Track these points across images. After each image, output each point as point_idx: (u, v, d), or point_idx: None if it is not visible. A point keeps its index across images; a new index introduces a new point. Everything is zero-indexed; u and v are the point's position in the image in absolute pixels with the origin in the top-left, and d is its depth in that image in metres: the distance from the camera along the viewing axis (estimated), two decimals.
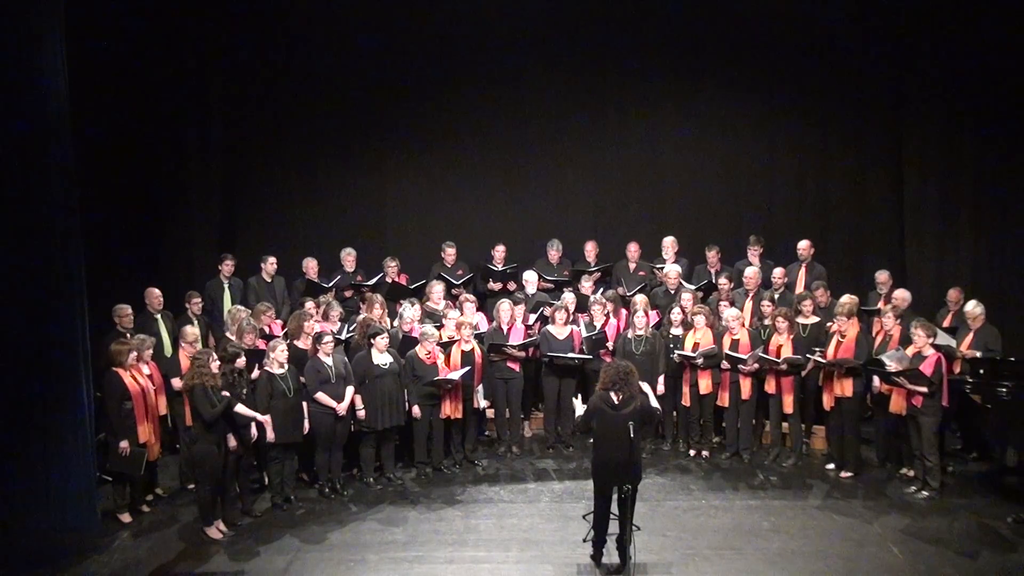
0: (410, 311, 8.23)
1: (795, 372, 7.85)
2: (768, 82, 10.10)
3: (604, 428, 5.87)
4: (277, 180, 10.45)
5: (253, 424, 6.96)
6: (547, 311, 8.52)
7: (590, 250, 9.67)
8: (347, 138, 10.42)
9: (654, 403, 6.22)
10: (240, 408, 6.65)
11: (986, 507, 7.05)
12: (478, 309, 8.83)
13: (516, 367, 8.33)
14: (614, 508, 6.00)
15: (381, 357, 7.54)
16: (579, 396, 6.75)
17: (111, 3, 8.93)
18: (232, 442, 6.70)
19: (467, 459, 8.22)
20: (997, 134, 9.35)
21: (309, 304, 8.33)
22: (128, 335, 7.53)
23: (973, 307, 7.69)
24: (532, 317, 8.62)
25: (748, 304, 8.64)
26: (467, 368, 7.82)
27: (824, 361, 7.54)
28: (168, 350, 8.06)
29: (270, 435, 7.08)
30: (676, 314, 8.28)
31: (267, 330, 7.97)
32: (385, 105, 10.32)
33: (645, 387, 6.23)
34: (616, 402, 5.80)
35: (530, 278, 9.09)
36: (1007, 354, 7.40)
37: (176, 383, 7.44)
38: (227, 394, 6.60)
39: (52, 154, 6.61)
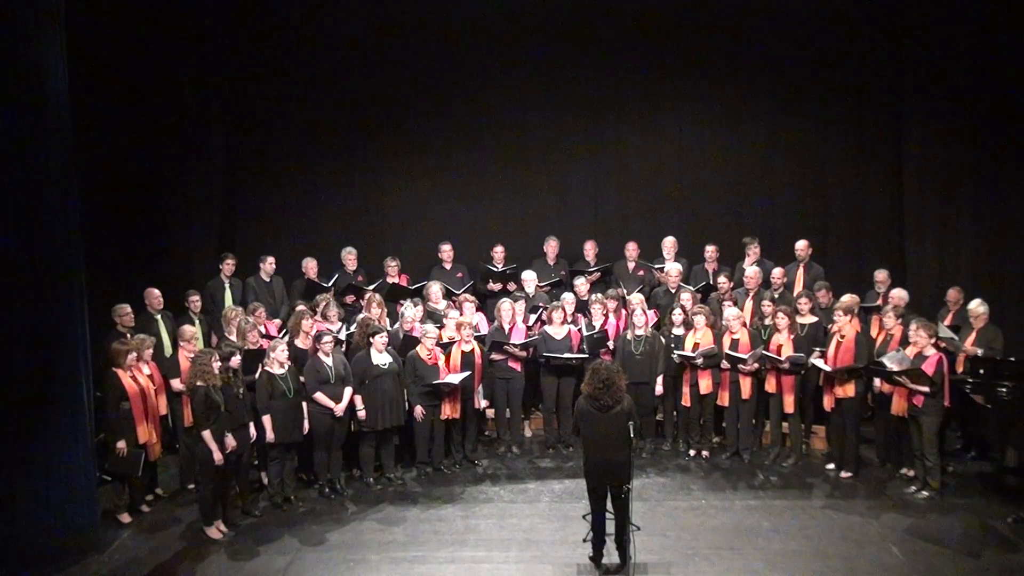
0: (411, 311, 8.24)
1: (796, 371, 7.85)
2: (768, 82, 10.10)
3: (592, 430, 5.92)
4: (277, 180, 10.46)
5: (252, 424, 6.97)
6: (545, 314, 8.52)
7: (589, 250, 9.67)
8: (347, 138, 10.42)
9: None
10: (206, 435, 6.59)
11: (986, 507, 7.06)
12: (478, 309, 8.84)
13: (517, 367, 8.33)
14: (610, 507, 6.01)
15: (380, 357, 7.54)
16: None
17: (111, 3, 8.93)
18: (231, 442, 6.69)
19: (467, 459, 8.22)
20: (997, 134, 9.34)
21: (301, 306, 8.30)
22: (128, 335, 7.54)
23: (977, 306, 7.68)
24: (532, 317, 8.62)
25: (748, 304, 8.65)
26: (467, 373, 7.83)
27: (828, 369, 7.53)
28: (168, 350, 8.05)
29: (270, 435, 7.10)
30: (677, 314, 8.28)
31: (263, 330, 7.98)
32: (385, 105, 10.34)
33: None
34: (601, 405, 5.82)
35: (529, 278, 9.09)
36: (1007, 354, 7.40)
37: (175, 384, 7.44)
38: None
39: (52, 154, 6.60)
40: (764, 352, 7.83)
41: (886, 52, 9.79)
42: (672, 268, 9.04)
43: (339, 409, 7.33)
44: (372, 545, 6.60)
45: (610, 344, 8.38)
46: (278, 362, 7.12)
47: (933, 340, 7.23)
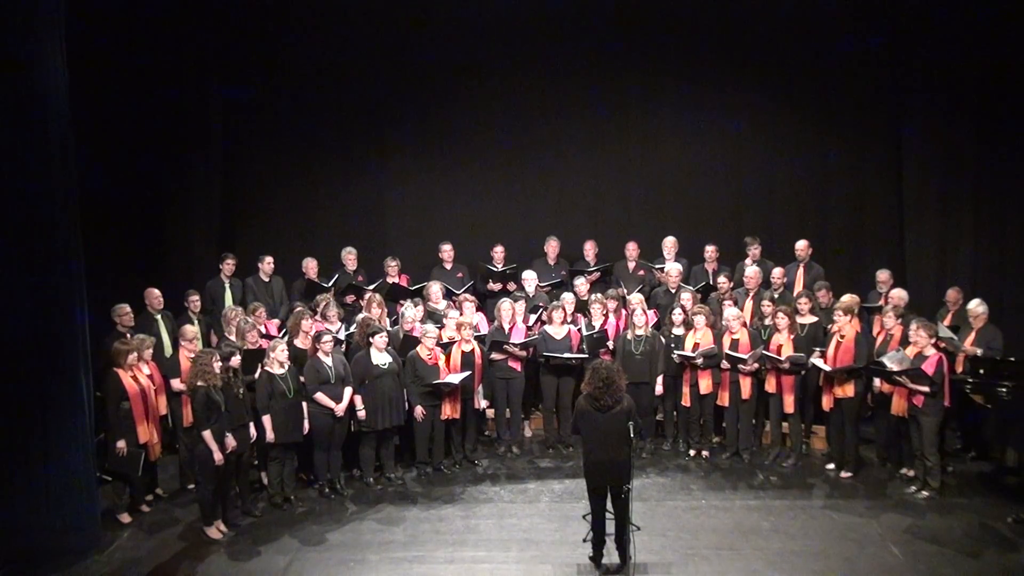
0: (412, 311, 8.24)
1: (796, 371, 7.85)
2: (768, 82, 10.09)
3: (592, 430, 5.92)
4: (277, 180, 10.46)
5: (252, 424, 6.97)
6: (545, 314, 8.52)
7: (589, 250, 9.67)
8: (347, 138, 10.42)
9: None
10: (207, 435, 6.59)
11: (986, 507, 7.05)
12: (478, 309, 8.84)
13: (517, 367, 8.33)
14: (610, 507, 6.01)
15: (380, 357, 7.54)
16: None
17: (112, 2, 8.93)
18: (231, 442, 6.69)
19: (467, 459, 8.22)
20: (997, 134, 9.34)
21: (300, 307, 8.31)
22: (128, 335, 7.54)
23: (976, 305, 7.69)
24: (532, 317, 8.62)
25: (748, 304, 8.65)
26: (467, 373, 7.84)
27: (828, 369, 7.53)
28: (168, 350, 8.06)
29: (270, 435, 7.10)
30: (677, 314, 8.28)
31: (263, 329, 7.99)
32: (385, 105, 10.34)
33: None
34: (601, 405, 5.81)
35: (529, 277, 9.10)
36: (1007, 354, 7.40)
37: (176, 384, 7.44)
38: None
39: (52, 154, 6.60)
40: (764, 352, 7.83)
41: (886, 51, 9.79)
42: (672, 268, 9.04)
43: (339, 409, 7.33)
44: (372, 545, 6.61)
45: (610, 344, 8.38)
46: (278, 362, 7.12)
47: (933, 340, 7.23)
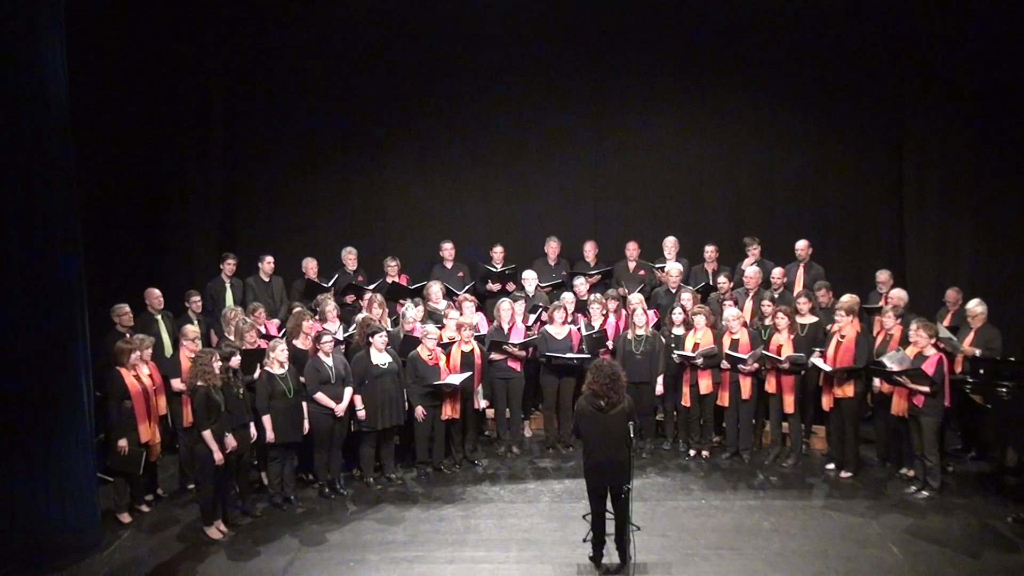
0: (412, 311, 8.24)
1: (797, 371, 7.85)
2: (768, 82, 10.11)
3: (593, 430, 5.92)
4: (277, 180, 10.47)
5: (252, 424, 6.97)
6: (546, 314, 8.52)
7: (589, 250, 9.67)
8: (347, 138, 10.44)
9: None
10: (207, 435, 6.58)
11: (986, 507, 7.05)
12: (478, 309, 8.84)
13: (517, 366, 8.33)
14: (610, 507, 6.01)
15: (380, 356, 7.54)
16: None
17: (112, 2, 8.93)
18: (231, 442, 6.69)
19: (467, 459, 8.22)
20: (997, 133, 9.35)
21: (299, 307, 8.31)
22: (128, 335, 7.54)
23: (975, 305, 7.70)
24: (532, 317, 8.62)
25: (748, 304, 8.65)
26: (468, 374, 7.84)
27: (828, 369, 7.53)
28: (168, 350, 8.06)
29: (270, 435, 7.10)
30: (677, 314, 8.28)
31: (263, 329, 8.00)
32: (385, 105, 10.34)
33: None
34: (603, 404, 5.81)
35: (529, 277, 9.10)
36: (1007, 354, 7.40)
37: (176, 384, 7.44)
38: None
39: (52, 154, 6.60)
40: (764, 352, 7.83)
41: (886, 52, 9.79)
42: (672, 268, 9.04)
43: (339, 409, 7.33)
44: (372, 545, 6.61)
45: (609, 344, 8.38)
46: (278, 362, 7.13)
47: (933, 340, 7.23)
